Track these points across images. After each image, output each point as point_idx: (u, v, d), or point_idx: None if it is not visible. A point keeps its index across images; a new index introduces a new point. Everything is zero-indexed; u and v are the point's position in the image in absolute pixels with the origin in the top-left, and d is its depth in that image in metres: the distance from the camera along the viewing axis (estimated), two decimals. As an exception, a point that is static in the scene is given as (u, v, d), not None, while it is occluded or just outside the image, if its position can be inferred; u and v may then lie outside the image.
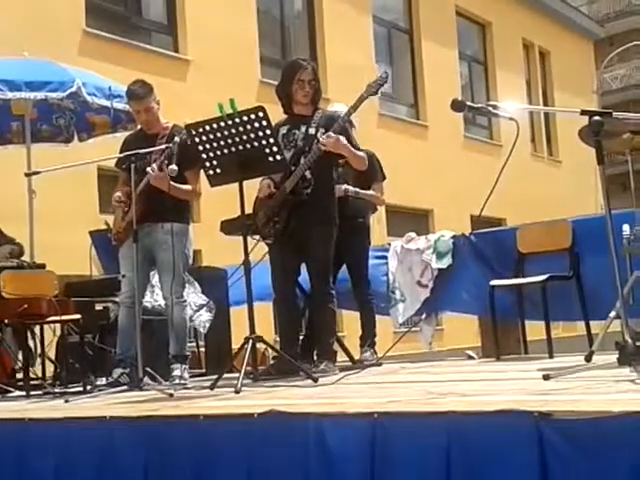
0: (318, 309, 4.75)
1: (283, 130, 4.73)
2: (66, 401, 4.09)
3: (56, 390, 5.04)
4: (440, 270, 5.71)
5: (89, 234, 6.24)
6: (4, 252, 5.99)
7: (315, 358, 4.78)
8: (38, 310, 5.08)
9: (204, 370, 5.79)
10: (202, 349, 6.19)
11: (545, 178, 18.05)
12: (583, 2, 27.98)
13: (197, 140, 4.27)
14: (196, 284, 5.78)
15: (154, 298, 5.46)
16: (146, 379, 4.41)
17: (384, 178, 5.50)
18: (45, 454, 3.24)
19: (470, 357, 5.54)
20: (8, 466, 3.33)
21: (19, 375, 5.55)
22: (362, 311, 5.42)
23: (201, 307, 5.76)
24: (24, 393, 4.92)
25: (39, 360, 5.65)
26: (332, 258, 4.74)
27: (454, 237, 5.75)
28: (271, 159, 4.22)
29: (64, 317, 5.13)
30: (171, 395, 3.91)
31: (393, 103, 15.39)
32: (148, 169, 4.58)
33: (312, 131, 4.68)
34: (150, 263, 4.86)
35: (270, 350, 4.95)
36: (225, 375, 4.20)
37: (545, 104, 19.23)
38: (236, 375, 3.96)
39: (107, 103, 6.16)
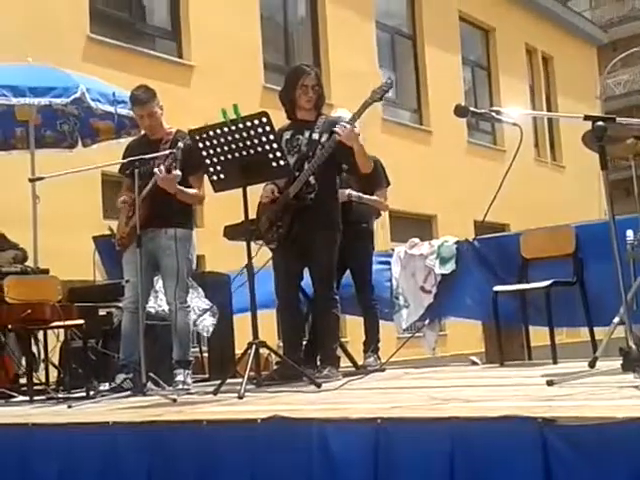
0: (321, 314, 4.75)
1: (286, 135, 4.73)
2: (69, 406, 4.09)
3: (59, 395, 5.04)
4: (443, 276, 5.71)
5: (93, 239, 6.25)
6: (8, 257, 6.00)
7: (318, 363, 4.77)
8: (41, 315, 5.09)
9: (207, 375, 5.80)
10: (205, 354, 6.19)
11: (548, 183, 18.04)
12: (586, 7, 28.03)
13: (201, 145, 4.28)
14: (200, 289, 5.79)
15: (158, 303, 5.46)
16: (149, 384, 4.41)
17: (388, 184, 5.50)
18: (48, 459, 3.24)
19: (474, 363, 5.52)
20: (12, 471, 3.33)
21: (22, 380, 5.55)
22: (366, 316, 5.41)
23: (205, 312, 5.77)
24: (27, 398, 4.92)
25: (42, 365, 5.65)
26: (336, 263, 4.74)
27: (457, 242, 5.75)
28: (275, 164, 4.22)
29: (67, 322, 5.14)
30: (174, 400, 3.90)
31: (396, 108, 15.40)
32: (155, 170, 4.58)
33: (316, 136, 4.68)
34: (154, 268, 4.86)
35: (273, 355, 4.94)
36: (228, 380, 4.20)
37: (548, 109, 19.24)
38: (239, 380, 3.97)
39: (111, 109, 6.17)
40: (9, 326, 5.38)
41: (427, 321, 5.88)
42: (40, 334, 5.54)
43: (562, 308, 4.92)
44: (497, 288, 5.03)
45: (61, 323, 5.13)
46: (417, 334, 5.86)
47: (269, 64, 12.61)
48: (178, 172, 4.61)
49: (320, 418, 2.73)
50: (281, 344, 4.91)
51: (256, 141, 4.17)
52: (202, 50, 11.38)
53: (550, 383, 3.15)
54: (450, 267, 5.68)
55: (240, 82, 11.29)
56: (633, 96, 27.07)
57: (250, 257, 4.24)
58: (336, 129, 4.47)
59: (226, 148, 4.22)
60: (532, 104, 18.75)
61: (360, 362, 5.33)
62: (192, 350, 5.00)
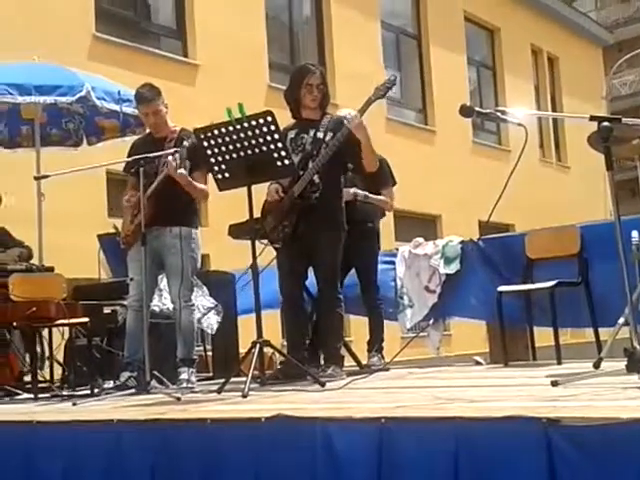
0: (326, 314, 4.75)
1: (291, 134, 4.73)
2: (74, 404, 4.10)
3: (64, 393, 5.06)
4: (448, 275, 5.71)
5: (98, 237, 6.26)
6: (13, 255, 6.01)
7: (322, 362, 4.78)
8: (46, 313, 5.11)
9: (211, 374, 5.80)
10: (209, 353, 6.20)
11: (553, 184, 18.01)
12: (592, 8, 27.98)
13: (206, 144, 4.28)
14: (204, 288, 5.80)
15: (162, 302, 5.47)
16: (153, 382, 4.42)
17: (395, 183, 5.50)
18: (53, 457, 3.24)
19: (478, 363, 5.52)
20: (16, 468, 3.34)
21: (27, 378, 5.57)
22: (371, 316, 5.41)
23: (209, 310, 5.77)
24: (32, 396, 4.94)
25: (47, 363, 5.67)
26: (340, 263, 4.74)
27: (462, 242, 5.74)
28: (279, 163, 4.23)
29: (72, 320, 5.15)
30: (178, 399, 3.91)
31: (401, 108, 15.39)
32: (169, 158, 4.58)
33: (320, 135, 4.68)
34: (158, 267, 4.87)
35: (277, 354, 4.95)
36: (232, 379, 4.21)
37: (554, 110, 19.20)
38: (243, 379, 3.97)
39: (116, 107, 6.18)
40: (14, 324, 5.39)
41: (431, 321, 5.87)
42: (45, 332, 5.55)
43: (567, 308, 4.91)
44: (501, 288, 5.02)
45: (66, 321, 5.15)
46: (421, 334, 5.86)
47: (274, 63, 12.61)
48: (183, 171, 4.63)
49: (324, 417, 2.73)
50: (285, 343, 4.91)
51: (261, 140, 4.17)
52: (207, 49, 11.39)
53: (554, 384, 3.14)
54: (455, 267, 5.67)
55: (245, 81, 11.29)
56: (639, 96, 27.02)
57: (255, 256, 4.24)
58: (348, 116, 4.46)
59: (231, 147, 4.23)
60: (537, 104, 18.71)
61: (364, 361, 5.33)
62: (196, 348, 5.01)
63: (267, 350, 4.37)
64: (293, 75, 4.90)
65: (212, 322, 5.80)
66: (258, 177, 4.30)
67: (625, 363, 3.18)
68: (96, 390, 4.77)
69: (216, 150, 4.27)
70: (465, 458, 2.38)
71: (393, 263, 6.07)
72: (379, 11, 14.94)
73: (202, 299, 5.71)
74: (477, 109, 3.41)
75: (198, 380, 4.96)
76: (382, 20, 15.02)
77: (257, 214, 4.53)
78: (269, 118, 4.14)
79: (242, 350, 5.32)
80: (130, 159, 4.87)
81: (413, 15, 16.09)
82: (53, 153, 6.91)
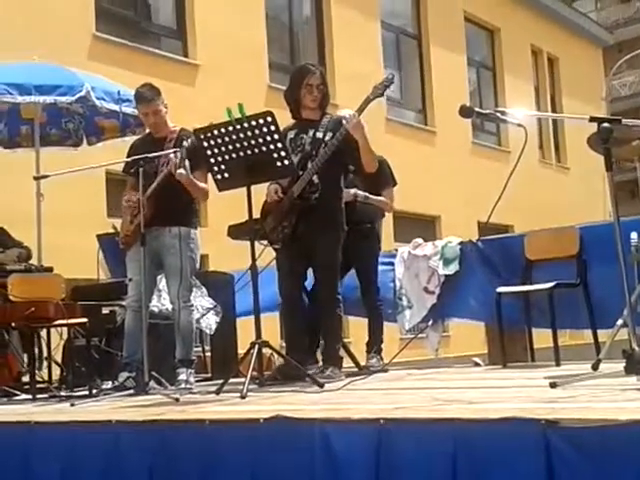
0: (325, 315, 4.74)
1: (291, 135, 4.73)
2: (72, 405, 4.09)
3: (62, 393, 5.05)
4: (447, 276, 5.70)
5: (97, 238, 6.26)
6: (12, 256, 6.01)
7: (320, 363, 4.77)
8: (45, 313, 5.10)
9: (210, 375, 5.80)
10: (208, 354, 6.19)
11: (553, 185, 18.01)
12: (592, 9, 28.00)
13: (205, 145, 4.28)
14: (203, 288, 5.79)
15: (161, 302, 5.46)
16: (152, 383, 4.42)
17: (395, 184, 5.49)
18: (51, 457, 3.24)
19: (477, 364, 5.52)
20: (14, 469, 3.33)
21: (25, 378, 5.56)
22: (370, 317, 5.41)
23: (208, 310, 5.77)
24: (30, 396, 4.93)
25: (45, 363, 5.66)
26: (339, 263, 4.73)
27: (461, 243, 5.74)
28: (279, 164, 4.22)
29: (71, 320, 5.15)
30: (177, 399, 3.90)
31: (401, 108, 15.39)
32: (171, 156, 4.59)
33: (320, 135, 4.68)
34: (157, 267, 4.87)
35: (276, 355, 4.94)
36: (231, 380, 4.20)
37: (553, 110, 19.20)
38: (242, 380, 3.96)
39: (116, 107, 6.18)
40: (12, 324, 5.39)
41: (430, 322, 5.87)
42: (43, 332, 5.54)
43: (565, 310, 4.91)
44: (500, 289, 5.02)
45: (64, 321, 5.14)
46: (420, 335, 5.85)
47: (274, 64, 12.61)
48: (182, 171, 4.62)
49: (322, 418, 2.73)
50: (284, 344, 4.91)
51: (261, 140, 4.17)
52: (207, 49, 11.39)
53: (553, 385, 3.14)
54: (454, 268, 5.67)
55: (245, 81, 11.29)
56: (639, 97, 27.03)
57: (254, 257, 4.24)
58: (347, 115, 4.46)
59: (231, 147, 4.23)
60: (537, 105, 18.72)
61: (363, 363, 5.32)
62: (195, 349, 5.00)
63: (266, 351, 4.37)
64: (293, 75, 4.90)
65: (211, 323, 5.80)
66: (258, 177, 4.30)
67: (623, 365, 3.17)
68: (94, 391, 4.77)
69: (216, 150, 4.27)
70: (463, 459, 2.38)
71: (392, 264, 6.06)
72: (379, 11, 14.94)
73: (201, 299, 5.70)
74: (477, 110, 3.41)
75: (197, 381, 4.96)
76: (382, 20, 15.03)
77: (256, 214, 4.53)
78: (269, 118, 4.14)
79: (241, 351, 5.32)
80: (130, 159, 4.87)
81: (413, 15, 16.10)
82: (53, 153, 6.90)
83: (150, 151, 4.69)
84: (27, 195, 6.55)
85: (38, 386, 5.18)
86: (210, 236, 6.91)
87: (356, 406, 3.16)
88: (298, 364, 4.37)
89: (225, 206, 5.89)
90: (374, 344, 5.31)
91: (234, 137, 4.20)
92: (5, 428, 3.56)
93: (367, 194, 5.27)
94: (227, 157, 4.26)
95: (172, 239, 4.78)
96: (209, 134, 4.26)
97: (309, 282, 4.92)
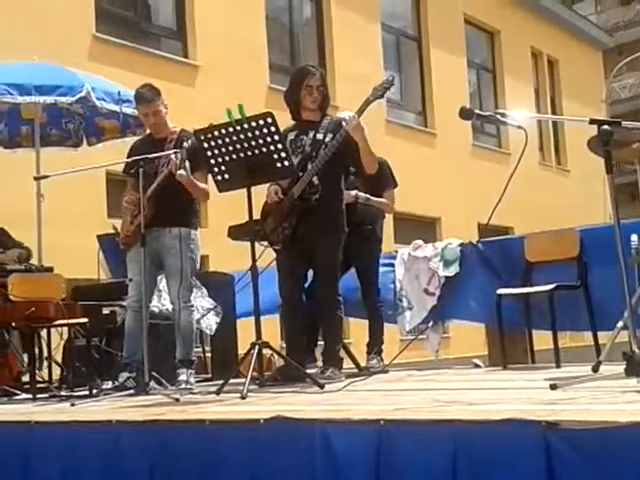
0: (325, 316, 4.75)
1: (291, 136, 4.73)
2: (72, 404, 4.09)
3: (62, 393, 5.05)
4: (447, 278, 5.71)
5: (97, 238, 6.26)
6: (12, 256, 6.01)
7: (317, 358, 4.77)
8: (45, 313, 5.10)
9: (210, 375, 5.80)
10: (208, 354, 6.19)
11: (553, 187, 18.02)
12: (592, 11, 28.03)
13: (206, 145, 4.29)
14: (203, 289, 5.79)
15: (161, 302, 5.47)
16: (152, 383, 4.42)
17: (396, 185, 5.50)
18: (51, 457, 3.24)
19: (477, 365, 5.52)
20: (14, 469, 3.33)
21: (25, 378, 5.56)
22: (371, 318, 5.41)
23: (208, 311, 5.77)
24: (30, 396, 4.93)
25: (46, 363, 5.66)
26: (339, 265, 4.73)
27: (461, 245, 5.74)
28: (279, 165, 4.23)
29: (71, 320, 5.15)
30: (177, 400, 3.91)
31: (401, 110, 15.40)
32: (172, 157, 4.59)
33: (320, 137, 4.68)
34: (157, 267, 4.87)
35: (276, 356, 4.95)
36: (231, 380, 4.20)
37: (553, 113, 19.21)
38: (242, 380, 3.97)
39: (116, 108, 6.18)
40: (13, 324, 5.39)
41: (430, 323, 5.87)
42: (44, 332, 5.54)
43: (566, 312, 4.91)
44: (500, 291, 5.02)
45: (65, 321, 5.14)
46: (420, 336, 5.85)
47: (274, 65, 12.62)
48: (182, 172, 4.63)
49: (323, 419, 2.73)
50: (284, 345, 4.91)
51: (261, 141, 4.17)
52: (207, 50, 11.39)
53: (553, 387, 3.14)
54: (454, 269, 5.67)
55: (245, 82, 11.30)
56: (639, 100, 27.05)
57: (254, 258, 4.24)
58: (347, 116, 4.46)
59: (231, 148, 4.23)
60: (537, 107, 18.74)
61: (363, 364, 5.33)
62: (195, 350, 5.00)
63: (266, 352, 4.37)
64: (293, 76, 4.90)
65: (211, 323, 5.80)
66: (258, 178, 4.30)
67: (624, 367, 3.18)
68: (95, 391, 4.77)
69: (216, 151, 4.27)
70: (463, 461, 2.38)
71: (392, 265, 6.07)
72: (379, 13, 14.94)
73: (201, 300, 5.71)
74: (477, 112, 3.42)
75: (197, 381, 4.96)
76: (382, 22, 15.03)
77: (257, 215, 4.53)
78: (269, 119, 4.14)
79: (241, 351, 5.32)
80: (130, 160, 4.87)
81: (413, 17, 16.10)
82: (53, 153, 6.90)
83: (150, 152, 4.70)
84: (27, 195, 6.55)
85: (38, 386, 5.18)
86: (210, 237, 6.91)
87: (356, 407, 3.16)
88: (298, 365, 4.37)
89: (225, 207, 5.90)
90: (374, 345, 5.32)
91: (234, 138, 4.20)
92: (5, 428, 3.56)
93: (368, 196, 5.28)
94: (227, 158, 4.26)
95: (172, 240, 4.78)
96: (209, 135, 4.26)
97: (307, 281, 4.92)
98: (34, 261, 6.17)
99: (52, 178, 5.01)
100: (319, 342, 5.07)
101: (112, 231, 5.68)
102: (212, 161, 4.30)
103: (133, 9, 11.23)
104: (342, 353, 4.93)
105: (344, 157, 4.62)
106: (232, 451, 2.84)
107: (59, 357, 5.81)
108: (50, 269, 5.99)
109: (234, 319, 5.99)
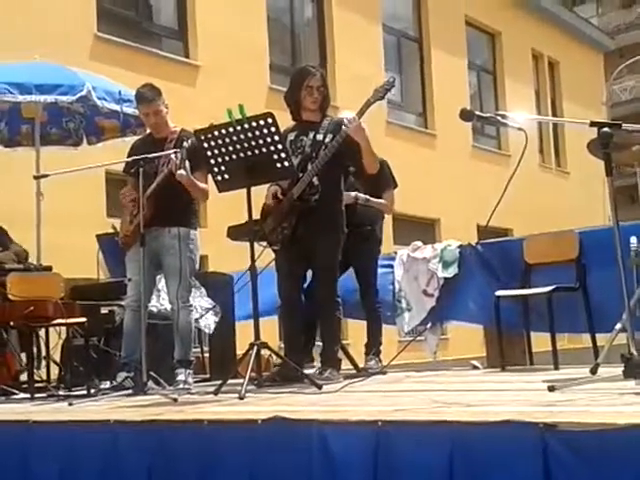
0: (323, 317, 4.75)
1: (291, 136, 4.73)
2: (70, 404, 4.09)
3: (60, 393, 5.05)
4: (446, 279, 5.71)
5: (96, 237, 6.26)
6: (11, 254, 6.00)
7: (314, 358, 4.77)
8: (44, 312, 5.10)
9: (208, 375, 5.80)
10: (206, 354, 6.19)
11: (553, 189, 18.02)
12: (593, 14, 28.04)
13: (206, 145, 4.29)
14: (202, 289, 5.79)
15: (160, 302, 5.47)
16: (150, 383, 4.41)
17: (396, 186, 5.50)
18: (49, 457, 3.24)
19: (475, 367, 5.52)
20: (12, 469, 3.33)
21: (23, 377, 5.56)
22: (369, 319, 5.41)
23: (207, 311, 5.77)
24: (28, 395, 4.93)
25: (44, 363, 5.66)
26: (338, 265, 4.73)
27: (461, 246, 5.74)
28: (279, 165, 4.23)
29: (69, 320, 5.15)
30: (175, 400, 3.90)
31: (401, 111, 15.40)
32: (172, 157, 4.59)
33: (320, 137, 4.68)
34: (156, 267, 4.87)
35: (274, 357, 4.95)
36: (229, 381, 4.20)
37: (554, 115, 19.21)
38: (240, 381, 3.97)
39: (117, 107, 6.18)
40: (11, 323, 5.39)
41: (429, 325, 5.87)
42: (42, 331, 5.54)
43: (564, 314, 4.91)
44: (499, 293, 5.02)
45: (63, 321, 5.14)
46: (419, 337, 5.86)
47: (275, 65, 12.62)
48: (182, 172, 4.63)
49: (321, 420, 2.73)
50: (282, 345, 4.91)
51: (261, 142, 4.17)
52: (208, 50, 11.39)
53: (551, 389, 3.14)
54: (453, 271, 5.68)
55: (246, 83, 11.30)
56: (639, 102, 27.05)
57: (253, 258, 4.24)
58: (347, 118, 4.47)
59: (231, 148, 4.23)
60: (537, 109, 18.73)
61: (361, 365, 5.33)
62: (193, 350, 5.00)
63: (264, 352, 4.37)
64: (293, 77, 4.90)
65: (210, 323, 5.80)
66: (258, 178, 4.30)
67: (622, 369, 3.18)
68: (93, 390, 4.76)
69: (216, 151, 4.27)
70: (461, 462, 2.38)
71: (391, 266, 6.07)
72: (380, 14, 14.95)
73: (200, 300, 5.70)
74: (477, 113, 3.42)
75: (195, 381, 4.96)
76: (383, 23, 15.03)
77: (256, 216, 4.53)
78: (269, 120, 4.14)
79: (239, 352, 5.32)
80: (130, 159, 4.87)
81: (414, 18, 16.11)
82: (53, 152, 6.90)
83: (150, 151, 4.70)
84: (27, 194, 6.55)
85: (36, 385, 5.17)
86: (210, 237, 6.91)
87: (354, 408, 3.16)
88: (297, 365, 4.37)
89: (225, 207, 5.89)
90: (373, 346, 5.31)
91: (234, 138, 4.20)
92: (3, 427, 3.56)
93: (368, 197, 5.28)
94: (227, 158, 4.26)
95: (171, 239, 4.78)
96: (209, 135, 4.26)
97: (306, 281, 4.92)
98: (33, 260, 6.17)
99: (52, 177, 5.01)
100: (316, 342, 5.07)
101: (111, 231, 5.68)
102: (212, 161, 4.30)
103: (135, 9, 11.23)
104: (340, 354, 4.93)
105: (344, 158, 4.63)
106: (230, 451, 2.84)
107: (57, 356, 5.81)
108: (49, 268, 5.98)
109: (233, 319, 5.99)
